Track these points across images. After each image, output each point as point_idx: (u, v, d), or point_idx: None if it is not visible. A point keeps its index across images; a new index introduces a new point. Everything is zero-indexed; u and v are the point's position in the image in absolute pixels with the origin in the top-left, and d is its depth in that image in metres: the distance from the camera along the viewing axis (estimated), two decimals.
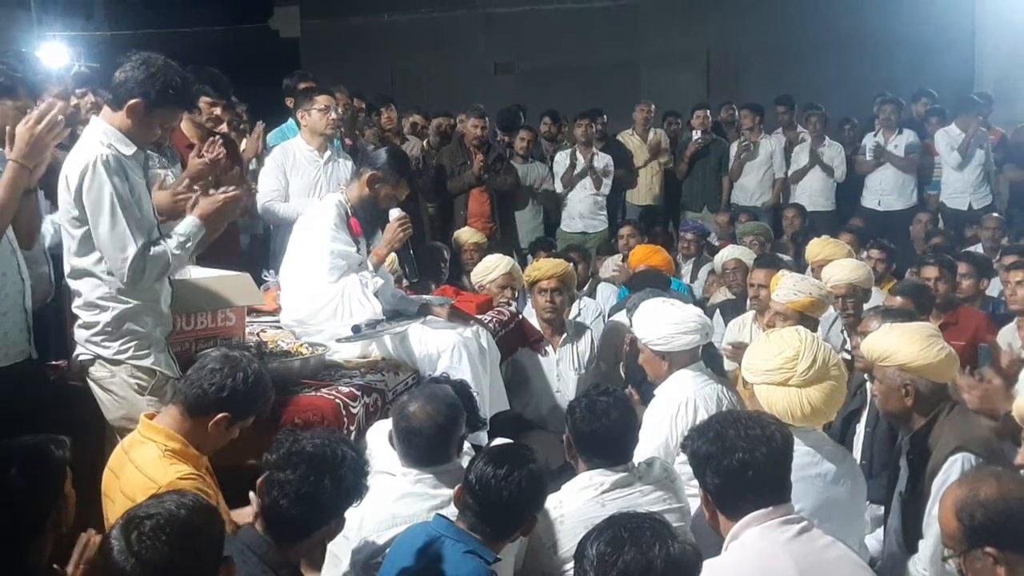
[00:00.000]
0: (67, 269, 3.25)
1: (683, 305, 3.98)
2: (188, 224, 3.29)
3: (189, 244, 3.27)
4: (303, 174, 5.32)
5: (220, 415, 2.80)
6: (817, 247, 5.86)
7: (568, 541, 2.97)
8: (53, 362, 3.66)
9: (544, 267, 5.25)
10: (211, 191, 3.45)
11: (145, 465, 2.72)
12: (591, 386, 3.59)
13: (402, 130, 8.21)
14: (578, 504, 3.04)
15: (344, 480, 2.49)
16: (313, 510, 2.46)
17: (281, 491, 2.44)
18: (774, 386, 3.17)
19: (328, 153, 5.40)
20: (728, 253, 6.33)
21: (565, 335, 5.21)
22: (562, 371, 5.13)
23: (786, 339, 3.23)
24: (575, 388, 5.02)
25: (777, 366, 3.17)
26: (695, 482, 3.24)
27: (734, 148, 9.11)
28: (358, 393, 3.61)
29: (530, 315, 5.33)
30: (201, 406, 2.80)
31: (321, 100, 5.31)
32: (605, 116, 9.24)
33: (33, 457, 2.45)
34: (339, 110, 5.92)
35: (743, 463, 2.46)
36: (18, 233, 3.29)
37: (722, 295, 6.36)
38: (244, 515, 2.74)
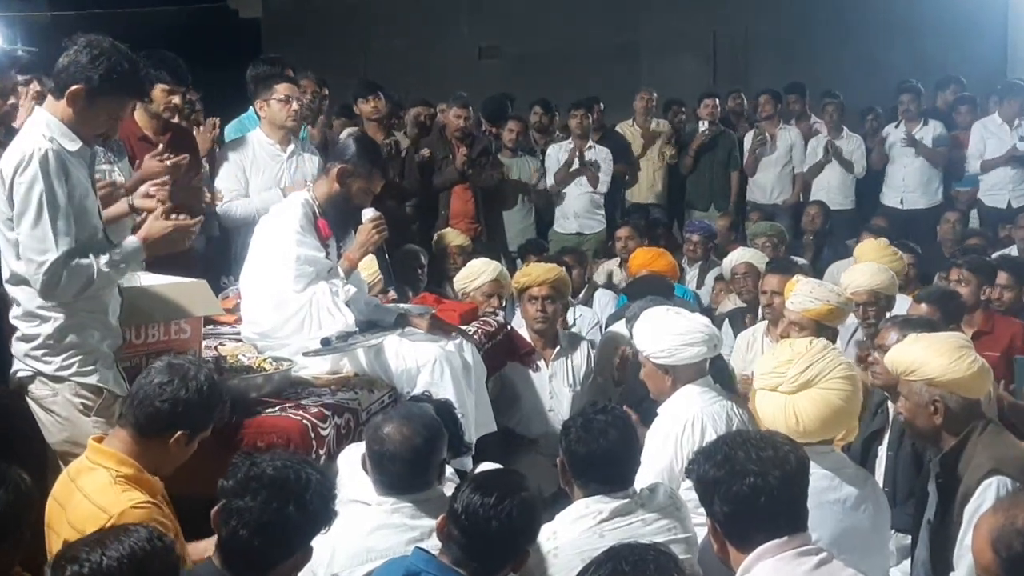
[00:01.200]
0: (4, 275, 3.25)
1: (688, 314, 4.00)
2: (130, 244, 3.30)
3: (123, 266, 3.28)
4: (264, 171, 5.32)
5: (179, 433, 2.80)
6: (867, 248, 5.89)
7: None
8: None
9: (534, 272, 5.26)
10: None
11: (95, 493, 2.71)
12: (587, 404, 3.60)
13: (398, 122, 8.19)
14: (574, 535, 3.03)
15: (309, 506, 2.48)
16: (276, 540, 2.45)
17: (240, 520, 2.43)
18: (766, 391, 3.26)
19: (292, 147, 5.40)
20: (738, 256, 6.34)
21: (558, 348, 5.22)
22: (555, 388, 5.14)
23: (793, 347, 3.29)
24: (569, 406, 5.03)
25: (770, 369, 3.27)
26: (703, 510, 3.27)
27: (747, 140, 9.14)
28: (328, 413, 3.61)
29: (519, 326, 5.34)
30: (155, 426, 2.80)
31: (281, 89, 5.30)
32: (602, 105, 9.27)
33: None
34: (306, 98, 5.94)
35: (755, 488, 2.46)
36: None
37: (731, 303, 6.39)
38: (202, 549, 2.73)
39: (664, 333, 3.80)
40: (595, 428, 3.14)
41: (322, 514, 2.52)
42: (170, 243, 3.38)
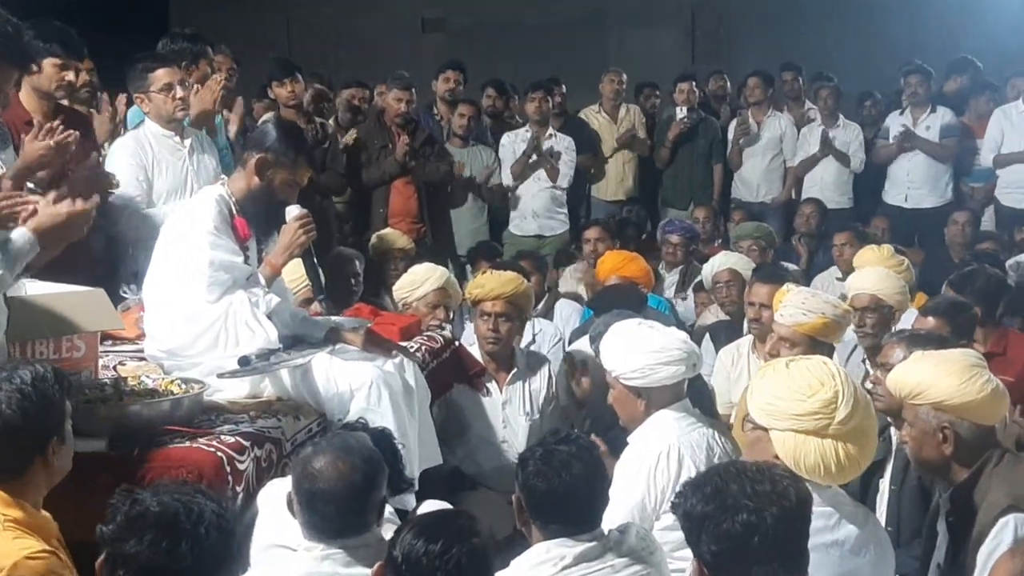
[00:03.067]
0: None
1: (663, 328, 4.02)
2: (18, 239, 3.23)
3: (15, 266, 3.23)
4: (168, 170, 5.28)
5: (48, 445, 2.80)
6: (869, 256, 5.96)
7: None
8: None
9: (488, 284, 5.24)
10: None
11: None
12: (548, 433, 3.60)
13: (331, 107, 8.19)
14: None
15: (206, 541, 2.44)
16: None
17: (127, 569, 2.41)
18: (806, 435, 3.13)
19: (190, 140, 5.38)
20: (720, 262, 6.39)
21: (514, 370, 5.23)
22: (509, 416, 5.16)
23: (815, 373, 3.22)
24: (526, 437, 5.05)
25: (812, 410, 3.13)
26: (680, 553, 3.29)
27: (731, 129, 9.23)
28: (246, 444, 3.59)
29: (470, 342, 5.35)
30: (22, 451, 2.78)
31: (160, 76, 5.24)
32: (564, 87, 9.31)
33: None
34: (221, 77, 5.91)
35: (748, 526, 2.47)
36: None
37: (713, 315, 6.43)
38: None
39: (636, 350, 3.82)
40: (556, 460, 3.13)
41: (223, 550, 2.48)
42: (67, 232, 3.33)
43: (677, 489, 3.52)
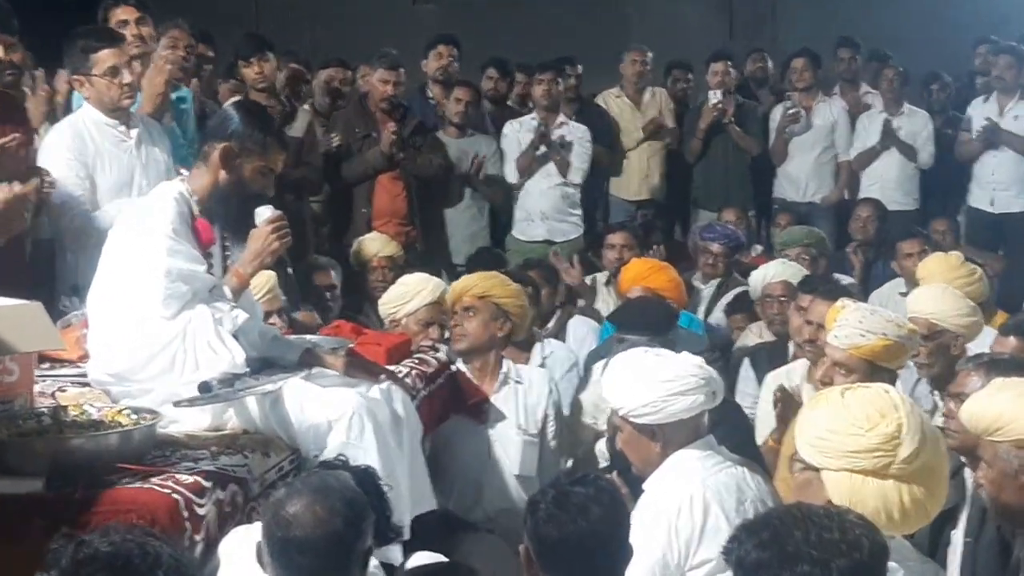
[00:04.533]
0: None
1: (672, 355, 4.02)
2: None
3: None
4: (112, 164, 5.32)
5: None
6: (933, 266, 5.95)
7: None
8: None
9: (459, 283, 5.41)
10: None
11: None
12: (562, 473, 3.61)
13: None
14: None
15: None
16: None
17: None
18: (864, 476, 3.13)
19: (137, 130, 5.41)
20: (775, 272, 6.40)
21: (500, 376, 5.25)
22: (499, 433, 5.17)
23: (875, 403, 3.22)
24: (519, 457, 5.07)
25: (872, 446, 3.12)
26: None
27: (775, 116, 9.23)
28: (207, 484, 3.58)
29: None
30: None
31: (104, 58, 5.26)
32: (579, 67, 9.33)
33: None
34: (177, 54, 5.95)
35: None
36: None
37: (756, 335, 6.43)
38: None
39: (645, 381, 3.81)
40: (571, 504, 3.14)
41: None
42: (6, 223, 3.36)
43: (703, 541, 3.57)
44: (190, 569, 2.54)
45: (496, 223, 8.63)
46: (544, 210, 8.50)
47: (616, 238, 7.62)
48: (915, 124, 9.09)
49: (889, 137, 9.02)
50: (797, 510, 2.65)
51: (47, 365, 4.38)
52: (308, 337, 4.68)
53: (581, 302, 7.23)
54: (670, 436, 3.80)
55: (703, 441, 3.85)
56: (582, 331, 6.63)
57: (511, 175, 8.49)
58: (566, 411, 5.46)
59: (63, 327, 4.55)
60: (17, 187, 3.38)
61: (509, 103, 9.28)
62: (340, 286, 6.74)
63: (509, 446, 5.15)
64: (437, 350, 5.27)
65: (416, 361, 4.94)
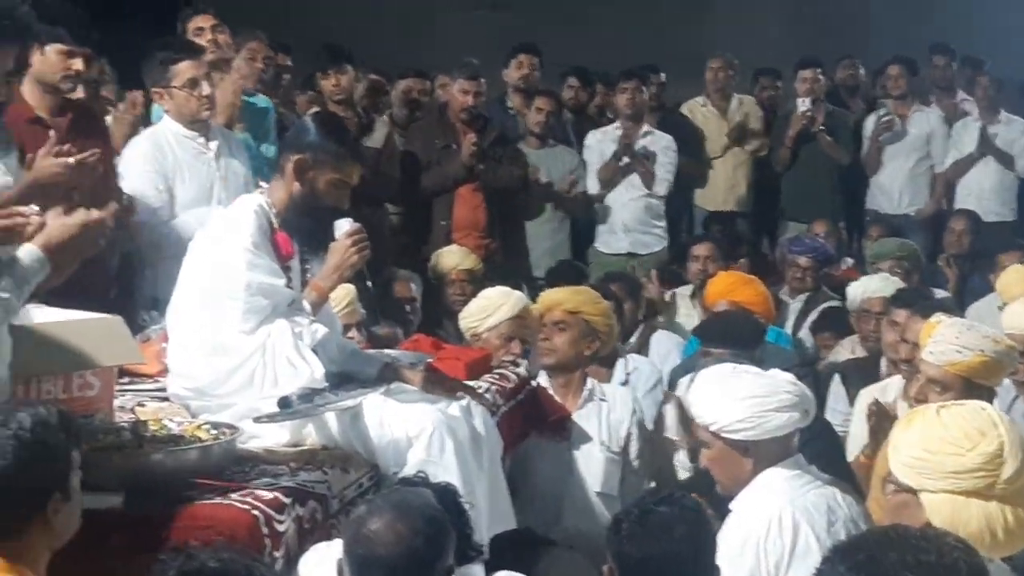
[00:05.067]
0: None
1: (760, 371, 4.00)
2: (28, 256, 3.31)
3: (26, 288, 3.31)
4: (191, 177, 5.41)
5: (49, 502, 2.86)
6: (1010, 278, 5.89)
7: None
8: None
9: (548, 296, 5.43)
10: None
11: None
12: (646, 491, 3.62)
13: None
14: None
15: None
16: None
17: None
18: (967, 497, 3.10)
19: (217, 142, 5.49)
20: (875, 287, 6.36)
21: (584, 393, 5.26)
22: (581, 450, 5.18)
23: (973, 421, 3.17)
24: (604, 475, 5.08)
25: (974, 466, 3.08)
26: None
27: (868, 124, 9.16)
28: (286, 501, 3.62)
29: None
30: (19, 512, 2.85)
31: (184, 69, 5.38)
32: (663, 76, 9.32)
33: None
34: (256, 66, 6.04)
35: None
36: None
37: (846, 351, 6.39)
38: None
39: (739, 397, 3.80)
40: (655, 523, 3.15)
41: None
42: (80, 248, 3.41)
43: (792, 563, 3.55)
44: None
45: (577, 235, 8.63)
46: (627, 222, 8.49)
47: (700, 250, 7.59)
48: (1012, 132, 9.00)
49: (986, 145, 8.93)
50: (893, 531, 2.64)
51: (127, 379, 4.43)
52: (387, 351, 4.72)
53: (661, 318, 7.21)
54: (762, 453, 3.77)
55: (792, 460, 3.82)
56: (666, 346, 6.62)
57: (593, 186, 8.49)
58: (649, 426, 5.46)
59: (142, 341, 4.61)
60: (95, 213, 3.44)
61: (590, 113, 9.27)
62: (420, 299, 6.78)
63: (591, 463, 5.15)
64: (518, 365, 5.28)
65: (496, 376, 4.96)
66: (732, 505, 3.79)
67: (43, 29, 4.63)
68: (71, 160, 4.21)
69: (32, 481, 2.85)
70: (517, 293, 5.77)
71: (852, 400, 5.62)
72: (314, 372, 4.06)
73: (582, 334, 5.30)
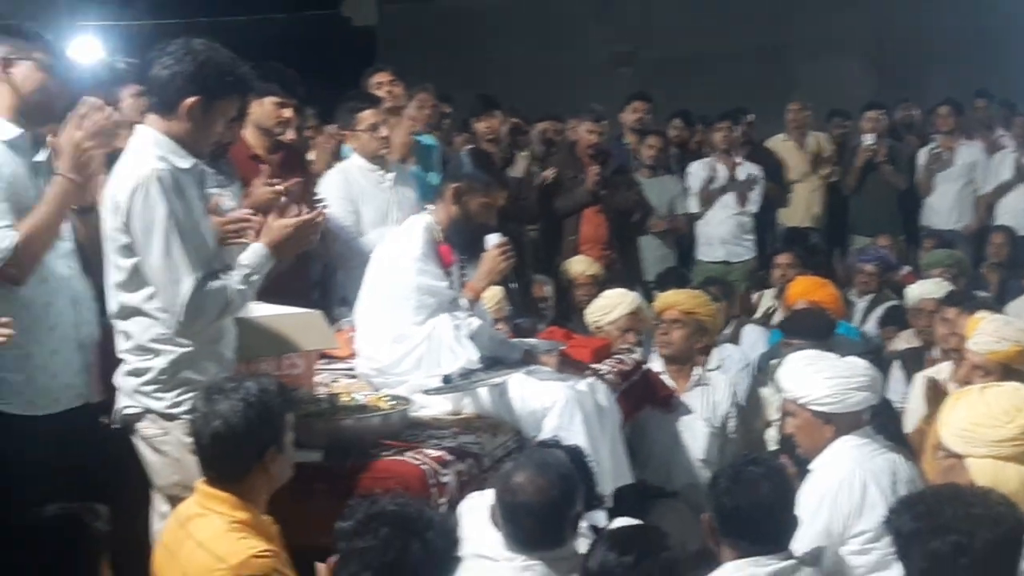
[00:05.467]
0: (113, 307, 3.37)
1: (840, 357, 3.94)
2: (254, 253, 3.39)
3: (255, 277, 3.37)
4: (372, 201, 5.45)
5: (267, 452, 2.93)
6: None
7: None
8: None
9: (667, 297, 5.36)
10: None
11: (210, 541, 2.80)
12: (739, 456, 3.59)
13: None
14: None
15: (433, 545, 2.54)
16: None
17: (362, 563, 2.50)
18: (1006, 462, 3.07)
19: (393, 173, 5.54)
20: (929, 289, 6.24)
21: (693, 377, 5.21)
22: (688, 424, 5.13)
23: (1011, 398, 3.14)
24: (705, 444, 5.03)
25: (1012, 436, 3.07)
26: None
27: (921, 156, 8.99)
28: (449, 458, 3.67)
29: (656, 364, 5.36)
30: (240, 460, 2.92)
31: (366, 117, 5.43)
32: (751, 116, 9.22)
33: (66, 531, 2.60)
34: (424, 113, 6.12)
35: (957, 547, 2.44)
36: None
37: (904, 342, 6.27)
38: None
39: (825, 376, 3.75)
40: (746, 480, 3.13)
41: (445, 555, 2.58)
42: (297, 243, 3.48)
43: (861, 515, 3.49)
44: (453, 534, 2.63)
45: (681, 246, 8.57)
46: (722, 236, 8.38)
47: (782, 259, 7.47)
48: None
49: (1020, 173, 8.69)
50: (947, 489, 2.62)
51: (324, 361, 4.49)
52: (527, 340, 4.74)
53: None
54: (840, 424, 3.71)
55: (863, 430, 3.75)
56: (753, 336, 6.52)
57: (694, 206, 8.44)
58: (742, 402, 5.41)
59: (336, 331, 4.71)
60: (306, 214, 3.52)
61: (691, 148, 9.21)
62: (553, 298, 6.79)
63: (697, 435, 5.10)
64: (633, 352, 5.27)
65: (616, 361, 4.96)
66: (811, 466, 3.74)
67: (260, 84, 4.75)
68: (280, 188, 4.30)
69: (255, 436, 2.92)
70: (632, 294, 5.75)
71: (908, 382, 5.52)
72: (470, 356, 4.10)
73: (695, 331, 5.26)
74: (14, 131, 3.38)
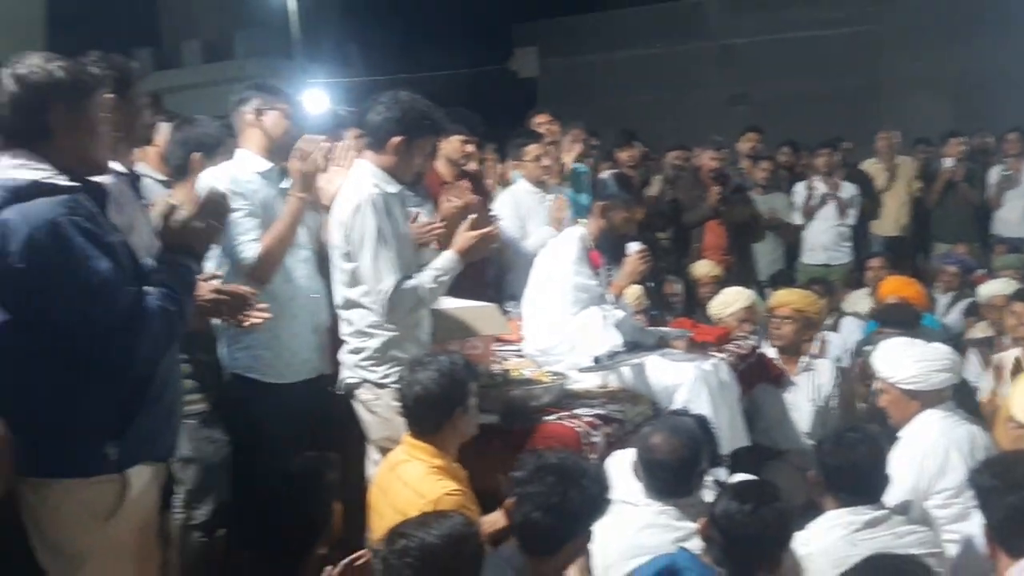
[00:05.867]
0: (338, 300, 3.51)
1: (926, 343, 3.80)
2: (446, 259, 3.47)
3: (444, 278, 3.44)
4: (536, 217, 5.46)
5: (456, 411, 2.99)
6: None
7: None
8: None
9: (780, 296, 5.20)
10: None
11: (414, 482, 2.89)
12: (841, 425, 3.51)
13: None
14: (827, 543, 2.95)
15: (588, 490, 2.58)
16: (563, 520, 2.56)
17: (533, 504, 2.55)
18: None
19: (553, 196, 5.53)
20: (1000, 288, 5.96)
21: (801, 363, 5.08)
22: (796, 402, 4.99)
23: None
24: (811, 419, 4.88)
25: None
26: (952, 527, 3.11)
27: (993, 175, 8.59)
28: (598, 422, 3.67)
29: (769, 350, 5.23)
30: (435, 416, 2.99)
31: (532, 150, 5.45)
32: (847, 144, 8.94)
33: (309, 479, 2.71)
34: (578, 146, 6.14)
35: None
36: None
37: (979, 332, 6.01)
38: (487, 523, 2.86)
39: (913, 359, 3.63)
40: (846, 442, 3.09)
41: (598, 499, 2.61)
42: (479, 250, 3.54)
43: (944, 475, 3.37)
44: (603, 480, 2.66)
45: (788, 253, 8.38)
46: (824, 243, 8.16)
47: (875, 263, 7.26)
48: None
49: None
50: (1020, 453, 2.55)
51: (498, 344, 4.50)
52: (661, 329, 4.71)
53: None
54: (925, 400, 3.60)
55: (946, 405, 3.62)
56: (851, 327, 6.32)
57: (798, 219, 8.23)
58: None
59: (508, 320, 4.76)
60: (486, 227, 3.59)
61: (797, 171, 8.99)
62: (682, 295, 6.72)
63: (803, 412, 4.94)
64: (748, 339, 5.17)
65: (734, 346, 4.85)
66: (900, 434, 3.63)
67: (450, 126, 4.85)
68: (459, 203, 4.39)
69: (447, 398, 2.99)
70: (748, 291, 5.64)
71: (983, 365, 5.30)
72: (615, 341, 4.10)
73: (803, 326, 5.10)
74: (266, 165, 3.55)
